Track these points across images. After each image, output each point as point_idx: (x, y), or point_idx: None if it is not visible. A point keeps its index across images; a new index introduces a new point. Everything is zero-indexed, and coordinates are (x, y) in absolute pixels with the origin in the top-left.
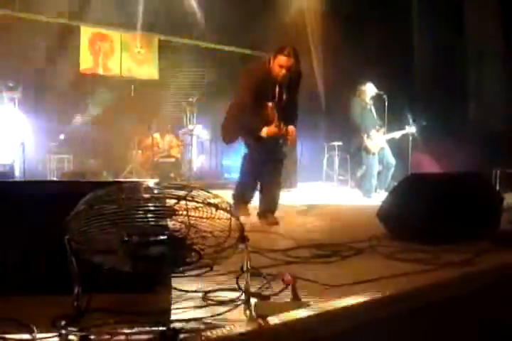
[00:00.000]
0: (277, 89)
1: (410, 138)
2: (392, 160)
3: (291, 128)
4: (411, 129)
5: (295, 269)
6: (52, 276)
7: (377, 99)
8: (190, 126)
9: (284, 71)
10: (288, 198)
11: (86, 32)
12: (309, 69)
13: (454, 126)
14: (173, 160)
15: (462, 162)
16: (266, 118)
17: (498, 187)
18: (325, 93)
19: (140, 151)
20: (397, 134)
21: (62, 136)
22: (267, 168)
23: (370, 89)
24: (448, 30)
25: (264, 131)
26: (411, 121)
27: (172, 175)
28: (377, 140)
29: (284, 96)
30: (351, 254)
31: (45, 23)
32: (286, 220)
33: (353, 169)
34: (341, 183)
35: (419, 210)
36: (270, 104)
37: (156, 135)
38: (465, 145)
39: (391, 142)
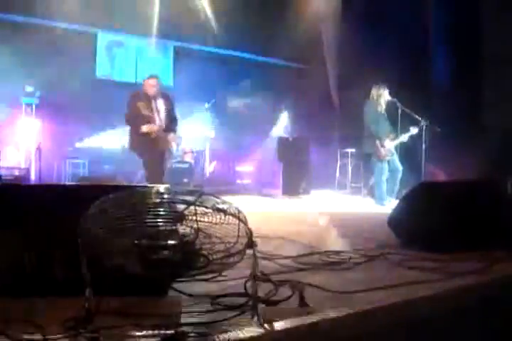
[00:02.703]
0: (153, 102)
1: (424, 146)
2: (400, 166)
3: (171, 134)
4: (414, 130)
5: (305, 276)
6: (65, 279)
7: (389, 106)
8: (204, 132)
9: (154, 89)
10: (300, 205)
11: (103, 39)
12: (323, 75)
13: (470, 132)
14: (186, 165)
15: (477, 169)
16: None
17: None
18: (339, 99)
19: None
20: (404, 137)
21: (78, 144)
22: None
23: (386, 94)
24: (465, 35)
25: (144, 127)
26: (422, 121)
27: (185, 180)
28: (389, 146)
29: (160, 108)
30: (362, 262)
31: (63, 29)
32: (298, 227)
33: (366, 176)
34: (354, 191)
35: (431, 218)
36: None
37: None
38: (480, 153)
39: (405, 149)
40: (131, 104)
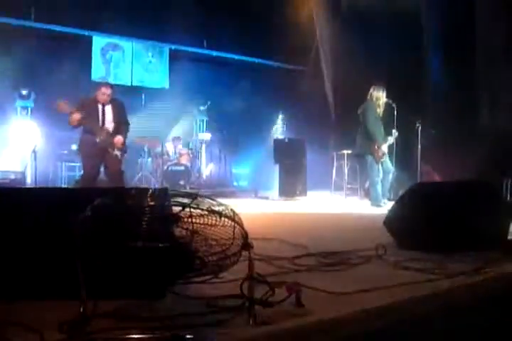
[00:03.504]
0: (101, 108)
1: (419, 147)
2: (391, 167)
3: (117, 137)
4: (396, 133)
5: (301, 277)
6: (60, 281)
7: (385, 107)
8: (200, 134)
9: (105, 96)
10: (297, 206)
11: (98, 42)
12: (319, 78)
13: (465, 134)
14: (182, 168)
15: (472, 170)
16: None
17: (509, 197)
18: (334, 101)
19: (150, 159)
20: (391, 139)
21: (74, 147)
22: (108, 168)
23: (383, 96)
24: (459, 36)
25: (72, 117)
26: (417, 122)
27: (182, 182)
28: (384, 148)
29: (107, 113)
30: (358, 263)
31: (58, 32)
32: (294, 228)
33: (362, 178)
34: (351, 192)
35: (427, 219)
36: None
37: (166, 143)
38: (475, 153)
39: (400, 150)
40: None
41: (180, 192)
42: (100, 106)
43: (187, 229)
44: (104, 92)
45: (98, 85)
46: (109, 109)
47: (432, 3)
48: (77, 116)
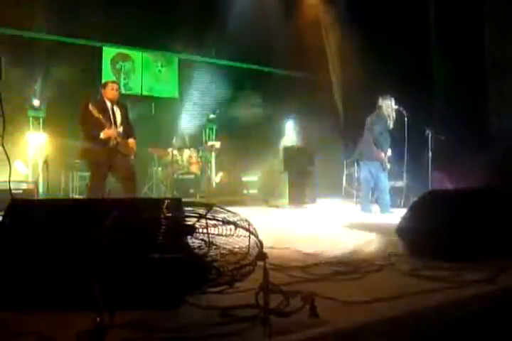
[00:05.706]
0: (110, 107)
1: (430, 154)
2: None
3: (130, 140)
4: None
5: (314, 286)
6: (77, 292)
7: (396, 114)
8: (209, 143)
9: (114, 92)
10: (307, 214)
11: (108, 52)
12: (327, 84)
13: (475, 140)
14: (192, 176)
15: (483, 177)
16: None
17: None
18: (343, 109)
19: (160, 168)
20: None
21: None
22: (120, 172)
23: (393, 105)
24: (468, 42)
25: (102, 133)
26: (427, 129)
27: (192, 191)
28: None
29: (116, 113)
30: (371, 271)
31: (69, 44)
32: (305, 236)
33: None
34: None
35: (439, 227)
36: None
37: (176, 152)
38: (487, 160)
39: (411, 157)
40: (83, 108)
41: (195, 203)
42: (109, 105)
43: (203, 239)
44: (113, 88)
45: (105, 84)
46: (117, 108)
47: (439, 10)
48: (113, 133)
